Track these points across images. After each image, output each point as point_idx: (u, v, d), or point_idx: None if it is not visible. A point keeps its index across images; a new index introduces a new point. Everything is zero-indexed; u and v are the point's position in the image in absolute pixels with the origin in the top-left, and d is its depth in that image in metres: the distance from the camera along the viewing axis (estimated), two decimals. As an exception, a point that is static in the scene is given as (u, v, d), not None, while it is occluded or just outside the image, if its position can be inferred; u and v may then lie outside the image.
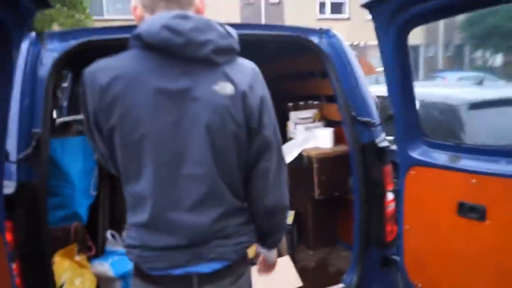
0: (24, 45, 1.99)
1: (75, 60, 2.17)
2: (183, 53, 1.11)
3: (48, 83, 1.96)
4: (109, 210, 2.70)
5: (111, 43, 2.10)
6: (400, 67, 2.10)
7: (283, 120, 3.00)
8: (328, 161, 2.65)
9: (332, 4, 20.03)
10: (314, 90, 2.92)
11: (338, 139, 2.77)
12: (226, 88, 1.15)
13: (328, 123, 2.90)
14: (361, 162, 2.38)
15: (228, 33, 1.19)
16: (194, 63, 1.13)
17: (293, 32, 2.40)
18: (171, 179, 1.15)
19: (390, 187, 2.37)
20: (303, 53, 2.59)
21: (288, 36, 2.39)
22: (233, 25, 2.34)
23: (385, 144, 2.43)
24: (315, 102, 2.97)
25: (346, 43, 2.52)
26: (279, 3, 19.45)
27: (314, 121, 2.86)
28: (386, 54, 2.10)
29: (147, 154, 1.13)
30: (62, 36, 2.10)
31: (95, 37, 2.07)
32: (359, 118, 2.37)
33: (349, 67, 2.45)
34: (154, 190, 1.15)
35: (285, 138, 2.98)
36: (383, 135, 2.50)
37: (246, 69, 1.21)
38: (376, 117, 2.45)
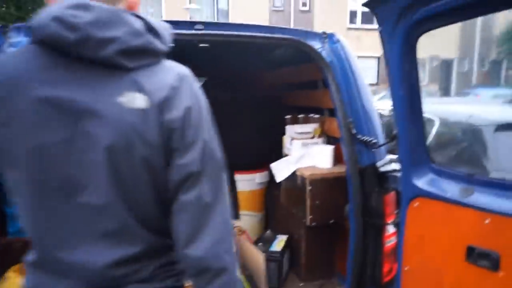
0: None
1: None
2: (79, 52, 0.86)
3: None
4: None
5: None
6: (407, 79, 1.79)
7: (280, 134, 2.72)
8: (323, 184, 2.34)
9: (363, 14, 19.51)
10: (316, 102, 2.62)
11: (339, 158, 2.45)
12: (135, 100, 0.88)
13: (330, 140, 2.59)
14: (359, 188, 2.07)
15: (147, 29, 0.92)
16: (96, 66, 0.88)
17: (289, 35, 2.12)
18: (62, 210, 0.90)
19: (391, 219, 2.04)
20: (303, 59, 2.30)
21: (284, 39, 2.11)
22: (221, 24, 2.12)
23: (388, 168, 2.12)
24: (316, 116, 2.67)
25: (350, 50, 2.23)
26: (308, 11, 19.15)
27: (313, 137, 2.56)
28: (391, 63, 1.79)
29: (30, 177, 0.88)
30: (29, 29, 1.90)
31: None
32: (359, 136, 2.07)
33: (351, 77, 2.15)
34: (40, 223, 0.91)
35: (280, 154, 2.69)
36: (387, 157, 2.18)
37: (168, 75, 0.93)
38: (379, 136, 2.14)
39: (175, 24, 1.99)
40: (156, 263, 0.98)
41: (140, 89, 0.89)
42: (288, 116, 2.69)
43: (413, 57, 1.75)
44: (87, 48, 0.85)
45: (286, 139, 2.63)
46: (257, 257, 2.34)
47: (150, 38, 0.91)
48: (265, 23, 17.64)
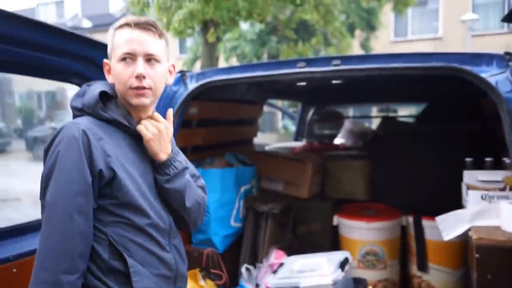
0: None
1: (202, 94, 2.32)
2: None
3: (173, 119, 2.16)
4: (251, 244, 2.70)
5: (228, 82, 2.16)
6: None
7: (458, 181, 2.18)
8: (501, 254, 1.73)
9: None
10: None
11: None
12: None
13: (530, 195, 1.90)
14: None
15: None
16: None
17: (444, 61, 1.71)
18: None
19: None
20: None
21: (435, 69, 1.72)
22: (346, 58, 1.92)
23: None
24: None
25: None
26: None
27: (503, 189, 1.92)
28: None
29: None
30: (199, 76, 2.28)
31: (214, 78, 2.16)
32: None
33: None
34: None
35: (458, 205, 2.14)
36: None
37: None
38: None
39: (311, 62, 1.96)
40: None
41: None
42: (468, 159, 2.12)
43: None
44: None
45: (463, 187, 2.09)
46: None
47: None
48: None
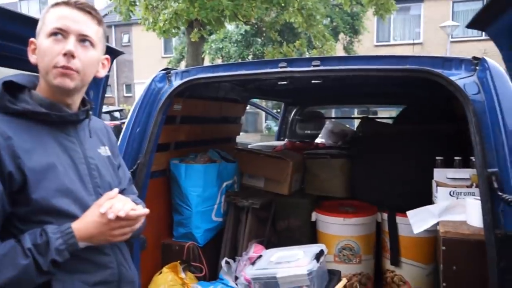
0: (150, 81, 2.32)
1: (186, 92, 2.37)
2: None
3: (157, 115, 2.21)
4: (231, 238, 2.77)
5: (211, 80, 2.23)
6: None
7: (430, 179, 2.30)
8: (464, 247, 1.84)
9: None
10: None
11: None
12: None
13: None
14: (496, 262, 1.56)
15: None
16: None
17: (417, 64, 1.82)
18: None
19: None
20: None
21: (409, 71, 1.83)
22: (325, 59, 2.01)
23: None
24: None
25: (507, 80, 1.72)
26: None
27: (471, 186, 2.04)
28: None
29: None
30: (184, 73, 2.33)
31: (198, 76, 2.22)
32: (503, 194, 1.57)
33: (501, 116, 1.66)
34: None
35: (430, 202, 2.26)
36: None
37: None
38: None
39: (292, 62, 2.05)
40: None
41: None
42: (439, 158, 2.24)
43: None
44: None
45: (433, 184, 2.20)
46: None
47: None
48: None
